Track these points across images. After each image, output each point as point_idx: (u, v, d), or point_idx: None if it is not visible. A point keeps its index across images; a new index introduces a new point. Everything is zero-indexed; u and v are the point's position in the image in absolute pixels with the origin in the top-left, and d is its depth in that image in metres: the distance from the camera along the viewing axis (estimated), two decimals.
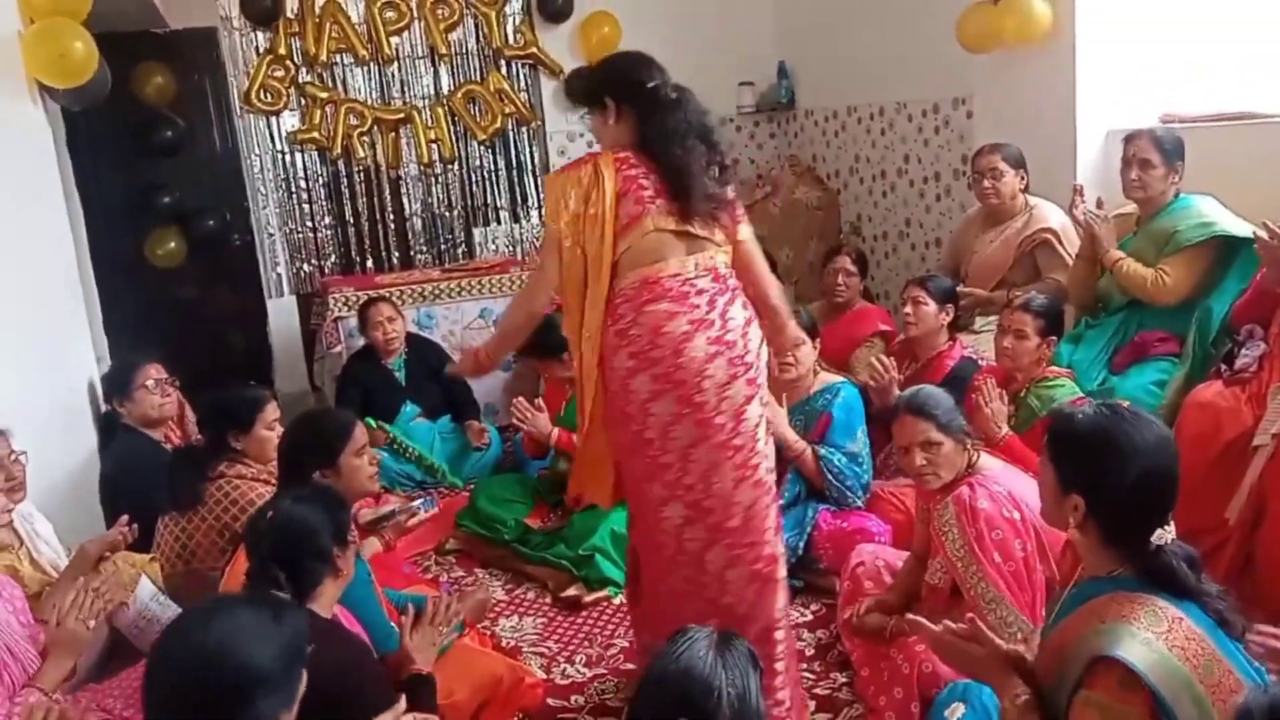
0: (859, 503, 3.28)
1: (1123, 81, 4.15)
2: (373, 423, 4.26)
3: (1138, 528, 1.68)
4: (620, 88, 2.47)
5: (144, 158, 5.71)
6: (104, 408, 3.70)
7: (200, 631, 1.41)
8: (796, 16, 6.40)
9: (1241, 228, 3.31)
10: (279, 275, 5.92)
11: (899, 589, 2.73)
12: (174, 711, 1.40)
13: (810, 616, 3.14)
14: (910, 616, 2.02)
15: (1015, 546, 2.33)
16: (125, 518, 2.79)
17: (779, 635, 2.45)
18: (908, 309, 3.63)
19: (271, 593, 1.87)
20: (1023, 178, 3.99)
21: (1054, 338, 3.30)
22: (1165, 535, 1.67)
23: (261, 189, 5.80)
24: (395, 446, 4.42)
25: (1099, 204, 3.69)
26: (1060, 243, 3.90)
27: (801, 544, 3.23)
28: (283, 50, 5.68)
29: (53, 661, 2.15)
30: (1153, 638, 1.57)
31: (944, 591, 2.53)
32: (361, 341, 4.87)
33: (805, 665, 2.86)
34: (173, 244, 5.72)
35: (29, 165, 3.62)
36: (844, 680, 2.76)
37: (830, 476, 3.25)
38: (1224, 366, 3.08)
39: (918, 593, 2.69)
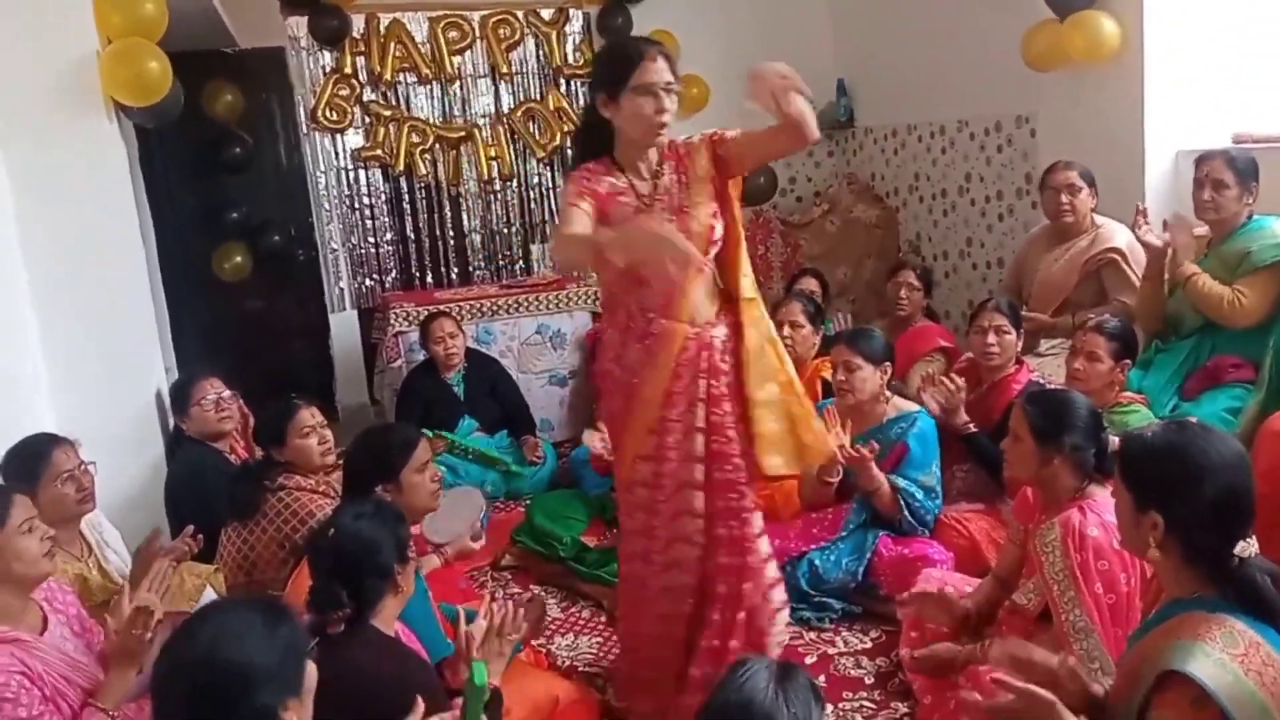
0: (926, 532, 3.22)
1: (1192, 101, 4.07)
2: (430, 432, 4.30)
3: (1218, 541, 1.64)
4: None
5: (213, 174, 5.85)
6: (171, 418, 3.78)
7: (193, 635, 1.47)
8: (855, 34, 6.37)
9: None
10: (341, 290, 6.00)
11: (976, 603, 2.66)
12: (181, 711, 1.44)
13: (869, 644, 3.08)
14: (964, 695, 1.95)
15: (1120, 579, 2.26)
16: (191, 528, 2.83)
17: None
18: (990, 338, 3.46)
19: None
20: (1094, 196, 3.92)
21: (1127, 361, 3.22)
22: (1248, 548, 1.63)
23: (326, 205, 5.90)
24: (456, 451, 4.45)
25: (1165, 226, 3.61)
26: (1127, 263, 3.82)
27: (861, 569, 3.18)
28: (348, 69, 5.78)
29: (115, 674, 2.15)
30: (1227, 659, 1.53)
31: (1031, 615, 2.47)
32: (421, 356, 4.93)
33: (865, 694, 2.81)
34: (239, 258, 5.84)
35: (105, 181, 3.71)
36: (905, 710, 2.70)
37: (907, 510, 3.19)
38: None
39: (993, 615, 2.63)
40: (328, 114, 5.77)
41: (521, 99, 6.13)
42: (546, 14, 6.09)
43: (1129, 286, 3.80)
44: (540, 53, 6.14)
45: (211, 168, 5.81)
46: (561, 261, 2.53)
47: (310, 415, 3.07)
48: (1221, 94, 4.08)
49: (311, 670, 1.53)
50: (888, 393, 3.36)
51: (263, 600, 1.68)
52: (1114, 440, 2.41)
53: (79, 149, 3.51)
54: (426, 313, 4.95)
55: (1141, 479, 1.73)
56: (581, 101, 6.21)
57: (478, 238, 6.22)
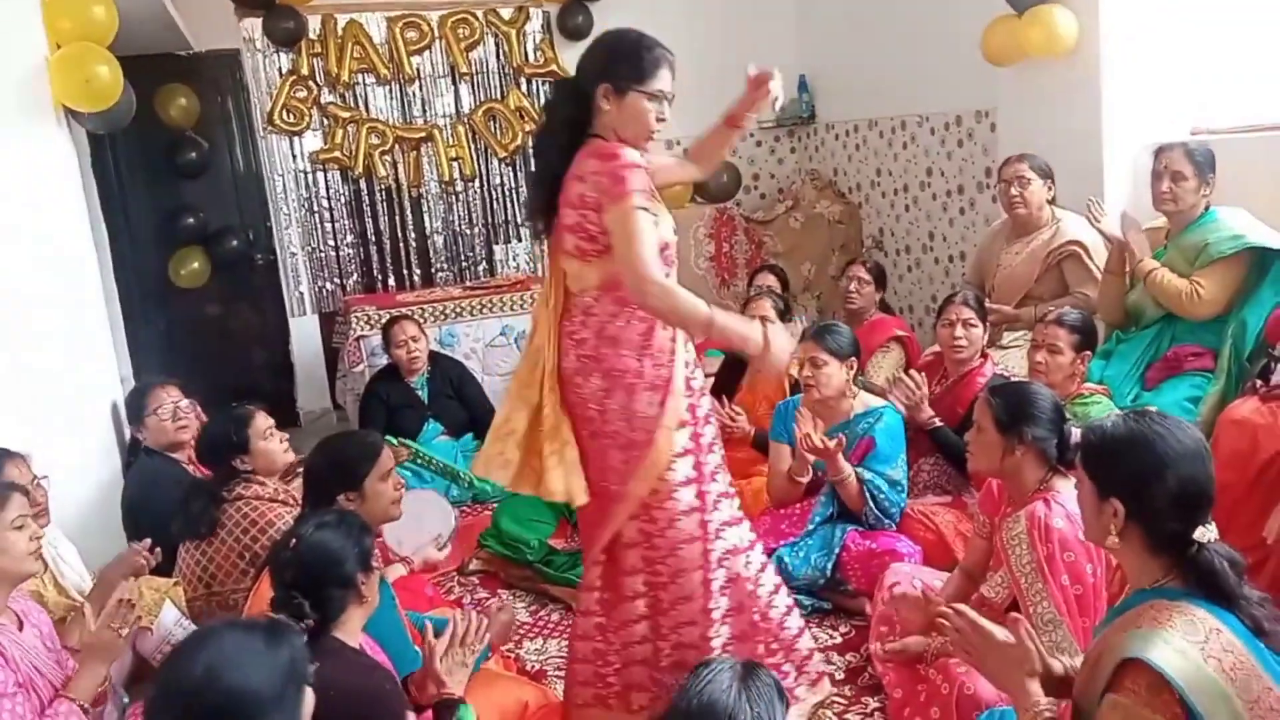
0: (892, 525, 3.23)
1: (1150, 94, 4.10)
2: (394, 440, 4.26)
3: (1178, 526, 1.66)
4: None
5: (168, 179, 5.76)
6: (128, 429, 3.71)
7: (190, 659, 1.41)
8: (817, 30, 6.38)
9: (1275, 239, 3.26)
10: (301, 294, 5.93)
11: (946, 599, 2.66)
12: None
13: (839, 639, 3.09)
14: (943, 636, 1.97)
15: (1086, 570, 2.27)
16: (146, 541, 2.78)
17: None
18: (958, 331, 3.49)
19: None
20: (1050, 189, 3.95)
21: (1088, 353, 3.24)
22: (1207, 534, 1.65)
23: (284, 209, 5.82)
24: (419, 460, 4.41)
25: (1123, 217, 3.64)
26: (1088, 256, 3.86)
27: (829, 565, 3.18)
28: (305, 71, 5.70)
29: (86, 669, 2.17)
30: (1188, 646, 1.54)
31: (999, 607, 2.47)
32: (384, 360, 4.88)
33: (835, 690, 2.81)
34: (196, 264, 5.76)
35: (56, 188, 3.64)
36: (876, 705, 2.71)
37: (872, 502, 3.19)
38: (1260, 382, 3.02)
39: None
40: (285, 116, 5.70)
41: (482, 99, 6.09)
42: (506, 13, 6.04)
43: (1090, 279, 3.83)
44: (500, 52, 6.09)
45: (167, 172, 5.73)
46: (664, 310, 2.25)
47: (265, 417, 3.05)
48: (1179, 87, 4.11)
49: (310, 697, 1.48)
50: (854, 388, 3.37)
51: (264, 621, 1.62)
52: (1076, 432, 2.42)
53: (29, 156, 3.44)
54: (389, 315, 4.90)
55: (1103, 467, 1.74)
56: (543, 101, 6.17)
57: (440, 239, 6.17)
